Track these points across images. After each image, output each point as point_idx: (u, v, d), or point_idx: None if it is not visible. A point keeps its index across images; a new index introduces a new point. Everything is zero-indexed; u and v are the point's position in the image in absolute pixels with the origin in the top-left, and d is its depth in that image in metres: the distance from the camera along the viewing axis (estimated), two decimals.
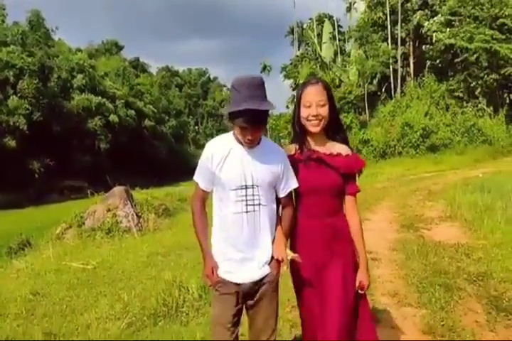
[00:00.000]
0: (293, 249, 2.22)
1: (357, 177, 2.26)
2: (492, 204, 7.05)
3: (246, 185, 2.04)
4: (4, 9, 41.07)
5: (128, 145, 42.55)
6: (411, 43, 26.69)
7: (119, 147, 41.46)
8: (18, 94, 35.45)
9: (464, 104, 23.39)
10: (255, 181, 2.04)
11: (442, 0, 24.35)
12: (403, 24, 26.65)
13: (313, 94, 2.16)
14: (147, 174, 37.73)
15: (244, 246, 2.06)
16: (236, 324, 2.11)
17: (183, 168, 39.90)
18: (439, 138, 19.66)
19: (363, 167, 2.23)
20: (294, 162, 2.19)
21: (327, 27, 25.42)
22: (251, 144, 2.03)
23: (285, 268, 2.11)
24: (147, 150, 44.76)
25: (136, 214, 7.87)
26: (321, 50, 25.05)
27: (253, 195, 2.05)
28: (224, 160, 2.05)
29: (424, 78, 24.70)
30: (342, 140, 2.26)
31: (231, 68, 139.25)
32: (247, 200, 2.04)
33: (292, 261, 2.16)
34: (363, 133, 20.75)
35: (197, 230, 2.16)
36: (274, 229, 2.14)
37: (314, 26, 29.30)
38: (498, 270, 4.28)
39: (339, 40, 29.08)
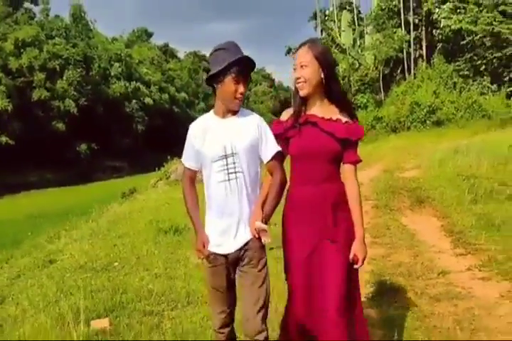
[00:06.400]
0: (285, 215, 2.23)
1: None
2: (449, 157, 10.23)
3: (226, 155, 2.12)
4: (48, 4, 43.94)
5: (162, 128, 46.24)
6: (423, 28, 29.13)
7: (154, 129, 45.21)
8: (65, 82, 38.86)
9: (470, 82, 25.96)
10: (234, 149, 2.12)
11: None
12: (417, 10, 29.03)
13: (298, 56, 2.14)
14: (182, 153, 41.08)
15: (230, 213, 2.14)
16: (230, 288, 2.22)
17: None
18: (443, 114, 22.49)
19: (362, 135, 2.18)
20: (287, 127, 2.18)
21: (345, 15, 28.13)
22: (241, 100, 2.12)
23: (267, 241, 2.11)
24: (180, 131, 47.61)
25: None
26: (340, 36, 27.84)
27: (234, 163, 2.12)
28: (205, 135, 2.17)
29: (434, 60, 27.33)
30: (343, 107, 2.19)
31: (255, 50, 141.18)
32: (228, 169, 2.12)
33: (284, 229, 2.22)
34: (377, 111, 23.75)
35: (187, 206, 2.26)
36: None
37: (335, 14, 31.82)
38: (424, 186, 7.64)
39: (359, 25, 31.53)
